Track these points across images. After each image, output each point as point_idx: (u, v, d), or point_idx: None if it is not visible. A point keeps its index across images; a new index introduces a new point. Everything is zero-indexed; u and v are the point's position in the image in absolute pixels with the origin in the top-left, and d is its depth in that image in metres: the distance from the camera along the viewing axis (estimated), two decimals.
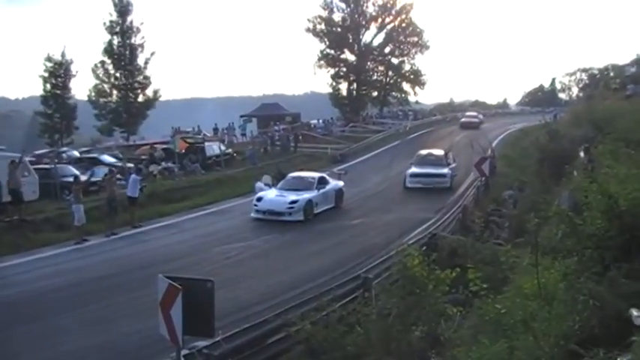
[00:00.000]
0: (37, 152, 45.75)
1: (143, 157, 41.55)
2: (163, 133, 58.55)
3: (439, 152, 38.01)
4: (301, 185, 28.88)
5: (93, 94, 59.69)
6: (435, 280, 11.89)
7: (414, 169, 35.02)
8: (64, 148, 49.75)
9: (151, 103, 61.13)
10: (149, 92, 60.97)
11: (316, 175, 30.57)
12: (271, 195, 28.25)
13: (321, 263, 19.70)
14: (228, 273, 18.74)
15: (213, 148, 45.48)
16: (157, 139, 52.42)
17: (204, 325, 8.38)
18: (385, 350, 11.16)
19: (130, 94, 59.70)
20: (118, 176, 29.88)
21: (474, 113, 77.69)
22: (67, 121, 58.24)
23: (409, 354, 11.22)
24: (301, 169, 33.94)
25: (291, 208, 26.96)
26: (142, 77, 60.07)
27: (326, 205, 28.85)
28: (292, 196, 27.52)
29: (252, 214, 27.46)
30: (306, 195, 27.77)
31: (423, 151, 38.25)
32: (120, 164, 37.22)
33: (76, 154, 45.48)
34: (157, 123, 67.13)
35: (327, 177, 30.77)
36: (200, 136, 52.58)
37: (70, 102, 58.77)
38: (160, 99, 63.36)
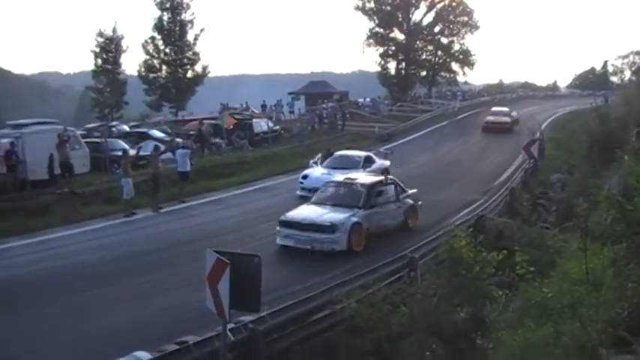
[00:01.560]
0: (87, 126, 46.41)
1: (191, 132, 41.84)
2: (211, 109, 58.78)
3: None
4: (347, 164, 28.48)
5: (143, 69, 60.17)
6: (482, 262, 11.84)
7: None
8: (114, 123, 50.25)
9: (199, 79, 61.42)
10: (198, 68, 61.28)
11: (363, 154, 30.31)
12: (317, 173, 28.03)
13: (368, 241, 19.66)
14: (274, 249, 18.84)
15: (261, 124, 45.59)
16: (205, 114, 52.62)
17: (250, 300, 8.47)
18: (429, 330, 11.16)
19: (179, 70, 60.04)
20: (164, 150, 30.07)
21: (505, 109, 56.79)
22: (117, 96, 58.88)
23: (453, 335, 11.20)
24: (348, 148, 33.72)
25: None
26: (191, 53, 60.34)
27: None
28: (339, 176, 27.32)
29: (298, 192, 27.24)
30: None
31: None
32: (168, 139, 37.56)
33: (126, 128, 45.96)
34: (205, 99, 67.49)
35: (374, 156, 30.53)
36: (248, 113, 52.75)
37: (120, 77, 59.36)
38: (208, 75, 63.63)
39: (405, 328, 11.30)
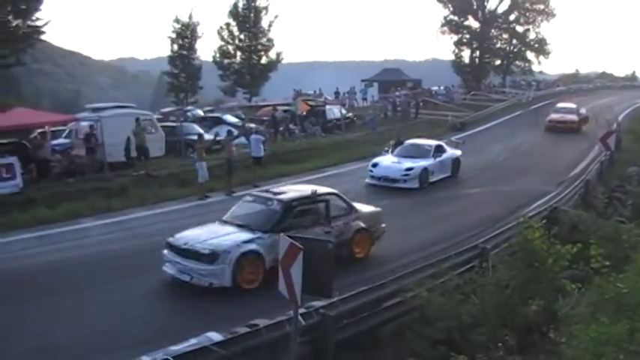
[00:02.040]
0: (163, 110, 47.30)
1: (265, 118, 42.22)
2: (284, 95, 59.12)
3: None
4: (418, 153, 28.29)
5: (217, 55, 60.89)
6: (555, 255, 11.67)
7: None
8: (189, 107, 51.07)
9: (273, 65, 61.79)
10: (272, 54, 61.73)
11: (433, 142, 29.86)
12: (387, 161, 27.94)
13: (439, 230, 19.60)
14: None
15: (334, 111, 45.64)
16: (279, 100, 52.97)
17: (322, 286, 8.54)
18: (501, 322, 11.09)
19: (254, 56, 60.55)
20: (238, 135, 30.41)
21: (572, 105, 48.85)
22: (192, 81, 59.87)
23: (525, 327, 11.11)
24: (419, 137, 33.48)
25: (407, 175, 26.59)
26: (265, 39, 60.75)
27: (442, 174, 28.19)
28: (408, 163, 27.13)
29: (367, 180, 27.40)
30: (422, 163, 27.27)
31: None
32: (244, 124, 38.00)
33: (200, 113, 46.63)
34: (278, 85, 67.89)
35: (445, 145, 30.08)
36: (321, 100, 52.90)
37: (196, 62, 60.34)
38: (282, 62, 63.97)
39: (476, 319, 11.25)
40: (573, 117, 45.35)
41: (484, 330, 10.96)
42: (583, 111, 47.53)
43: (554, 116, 45.92)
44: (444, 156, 28.80)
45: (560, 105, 49.42)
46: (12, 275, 15.92)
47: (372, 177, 27.35)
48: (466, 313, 11.34)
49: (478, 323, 11.13)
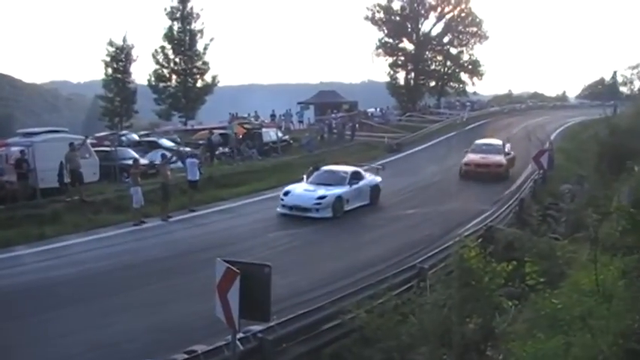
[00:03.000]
0: (97, 135, 46.61)
1: (201, 141, 41.99)
2: (220, 119, 58.88)
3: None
4: (333, 180, 26.92)
5: (153, 78, 60.37)
6: (491, 273, 11.75)
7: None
8: (124, 132, 50.47)
9: (209, 88, 61.60)
10: (207, 78, 61.50)
11: (349, 169, 28.17)
12: (299, 189, 26.48)
13: (376, 252, 19.66)
14: (284, 259, 18.83)
15: (270, 134, 45.73)
16: (215, 124, 52.80)
17: (260, 310, 8.48)
18: (439, 341, 11.13)
19: (189, 79, 60.25)
20: (173, 160, 30.13)
21: (497, 142, 37.69)
22: (127, 105, 59.17)
23: (463, 346, 11.17)
24: (342, 162, 31.09)
25: (319, 204, 25.23)
26: (200, 63, 60.54)
27: (359, 202, 26.90)
28: (321, 191, 25.81)
29: (278, 209, 26.09)
30: (337, 190, 25.97)
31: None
32: (178, 148, 37.71)
33: (136, 137, 46.11)
34: (214, 108, 67.71)
35: (362, 172, 28.64)
36: (257, 122, 52.91)
37: (131, 86, 59.66)
38: (218, 85, 63.81)
39: (415, 339, 11.29)
40: (498, 158, 34.68)
41: (423, 350, 10.99)
42: (508, 147, 36.81)
43: (472, 157, 34.89)
44: (362, 183, 27.52)
45: (481, 141, 37.81)
46: None
47: (284, 206, 25.94)
48: (405, 333, 11.37)
49: (417, 343, 11.17)
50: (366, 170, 29.76)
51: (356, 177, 27.50)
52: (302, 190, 26.39)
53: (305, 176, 28.41)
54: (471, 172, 33.88)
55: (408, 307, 12.28)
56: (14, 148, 28.73)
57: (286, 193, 26.23)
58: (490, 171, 33.56)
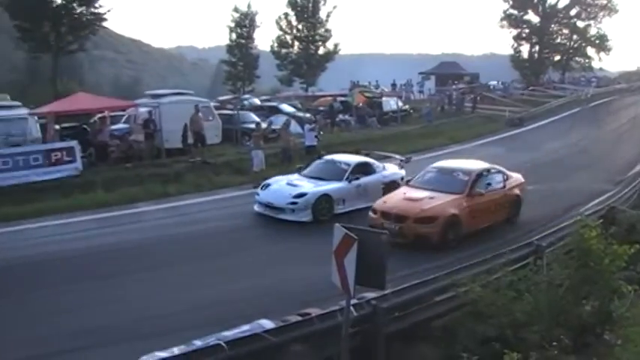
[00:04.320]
0: (220, 98, 47.67)
1: (321, 108, 42.28)
2: (341, 86, 59.09)
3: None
4: (329, 173, 21.00)
5: (275, 44, 61.33)
6: (612, 255, 11.41)
7: None
8: (246, 96, 51.45)
9: (330, 55, 62.06)
10: (329, 45, 61.96)
11: (355, 159, 21.90)
12: (282, 182, 20.70)
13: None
14: None
15: (391, 103, 45.62)
16: (335, 91, 53.00)
17: (376, 277, 8.42)
18: (554, 321, 10.92)
19: (311, 46, 60.86)
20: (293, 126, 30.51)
21: (476, 167, 19.57)
22: (250, 70, 60.42)
23: (578, 327, 10.93)
24: (358, 151, 24.68)
25: (294, 203, 19.44)
26: (323, 30, 60.99)
27: (360, 204, 20.06)
28: (307, 187, 20.01)
29: (255, 206, 20.65)
30: (326, 187, 19.98)
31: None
32: (299, 114, 38.14)
33: (257, 101, 46.97)
34: (334, 76, 67.95)
35: (376, 164, 22.32)
36: (378, 91, 52.80)
37: (253, 52, 60.85)
38: (339, 52, 64.02)
39: (529, 317, 11.09)
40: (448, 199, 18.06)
41: (537, 328, 10.81)
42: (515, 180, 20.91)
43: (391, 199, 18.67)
44: (369, 178, 21.10)
45: (440, 164, 20.52)
46: (74, 256, 16.21)
47: (259, 203, 20.47)
48: (519, 310, 11.18)
49: (531, 321, 10.97)
50: (385, 162, 23.59)
51: (361, 170, 21.17)
52: (284, 183, 20.64)
53: (303, 166, 22.69)
54: (377, 225, 16.51)
55: (524, 284, 12.05)
56: (142, 109, 29.83)
57: (265, 187, 20.81)
58: (404, 230, 16.89)
